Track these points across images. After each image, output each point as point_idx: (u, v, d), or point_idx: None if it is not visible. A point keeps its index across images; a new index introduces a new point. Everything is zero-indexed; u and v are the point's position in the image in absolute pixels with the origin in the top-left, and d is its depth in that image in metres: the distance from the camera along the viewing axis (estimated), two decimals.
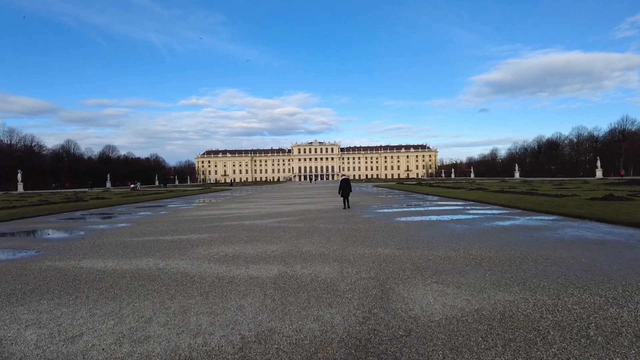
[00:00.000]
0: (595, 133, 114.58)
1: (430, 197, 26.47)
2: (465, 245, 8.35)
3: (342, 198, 19.18)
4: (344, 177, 19.73)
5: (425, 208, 18.14)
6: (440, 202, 21.47)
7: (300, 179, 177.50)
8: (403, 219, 13.89)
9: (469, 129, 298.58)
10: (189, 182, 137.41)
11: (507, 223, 12.15)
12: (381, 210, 17.34)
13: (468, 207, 17.95)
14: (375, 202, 23.34)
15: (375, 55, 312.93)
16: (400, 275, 5.93)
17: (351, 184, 20.35)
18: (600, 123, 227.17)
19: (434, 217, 14.07)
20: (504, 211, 15.84)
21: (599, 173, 75.86)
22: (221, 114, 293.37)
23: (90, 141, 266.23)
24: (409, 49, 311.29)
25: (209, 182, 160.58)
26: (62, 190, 63.39)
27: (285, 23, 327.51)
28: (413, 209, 18.03)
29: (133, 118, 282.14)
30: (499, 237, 9.38)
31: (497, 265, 6.51)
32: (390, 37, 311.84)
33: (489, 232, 10.25)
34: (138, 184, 76.23)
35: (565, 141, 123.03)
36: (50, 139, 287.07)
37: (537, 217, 13.42)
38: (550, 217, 13.31)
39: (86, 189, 64.19)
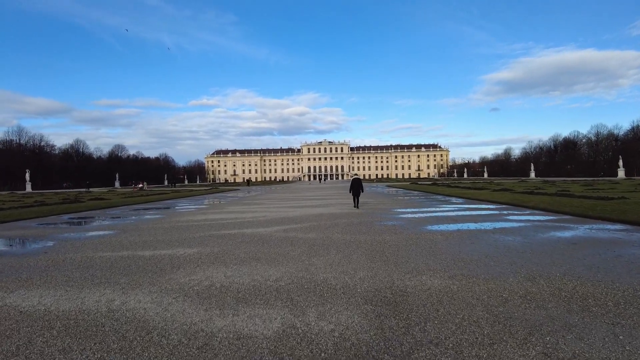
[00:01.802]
0: (616, 131, 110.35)
1: (454, 199, 24.05)
2: (539, 271, 6.06)
3: (353, 197, 19.55)
4: (355, 176, 20.02)
5: (456, 213, 15.79)
6: (468, 206, 19.08)
7: (309, 179, 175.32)
8: (435, 227, 11.59)
9: (480, 128, 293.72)
10: (198, 182, 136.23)
11: (567, 234, 9.79)
12: (405, 216, 15.05)
13: (504, 212, 15.57)
14: (394, 204, 21.03)
15: (385, 54, 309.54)
16: (478, 338, 3.67)
17: (363, 184, 20.22)
18: (614, 122, 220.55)
19: (472, 225, 11.75)
20: (551, 217, 13.44)
21: (621, 173, 72.40)
22: (231, 114, 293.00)
23: (102, 141, 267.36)
24: (419, 48, 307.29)
25: (218, 182, 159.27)
26: (67, 190, 62.10)
27: (296, 22, 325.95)
28: (441, 213, 15.69)
29: (144, 118, 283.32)
30: (574, 257, 7.06)
31: (617, 312, 4.23)
32: (400, 36, 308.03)
33: (555, 248, 7.92)
34: (145, 183, 74.74)
35: (583, 140, 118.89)
36: (64, 139, 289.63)
37: (600, 226, 11.02)
38: (618, 227, 10.89)
39: (83, 189, 62.34)
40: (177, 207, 22.66)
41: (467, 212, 15.86)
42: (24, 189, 66.74)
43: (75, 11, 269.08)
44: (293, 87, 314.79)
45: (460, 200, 23.44)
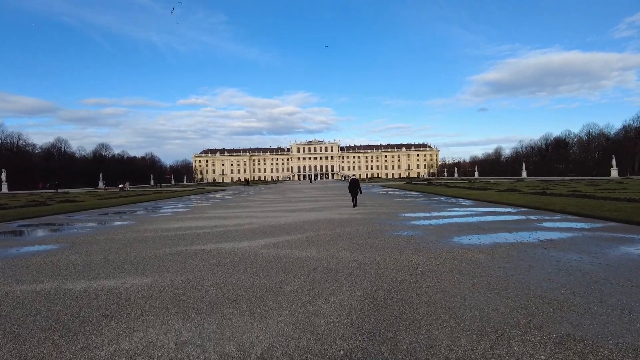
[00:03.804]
0: (607, 131, 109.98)
1: (461, 201, 21.80)
2: None
3: (351, 197, 19.89)
4: (353, 177, 20.77)
5: (476, 218, 13.45)
6: (483, 209, 16.80)
7: (299, 179, 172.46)
8: (465, 239, 9.21)
9: (468, 128, 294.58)
10: (185, 182, 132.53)
11: None
12: (418, 222, 12.66)
13: (532, 217, 13.31)
14: (398, 207, 18.66)
15: (375, 55, 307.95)
16: None
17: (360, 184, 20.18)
18: (601, 122, 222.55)
19: (509, 237, 9.39)
20: (596, 225, 11.20)
21: (614, 172, 71.39)
22: (220, 113, 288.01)
23: (89, 140, 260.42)
24: (409, 48, 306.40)
25: (206, 182, 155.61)
26: (42, 191, 58.47)
27: (286, 22, 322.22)
28: (458, 219, 13.34)
29: (132, 117, 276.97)
30: None
31: None
32: (390, 36, 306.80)
33: None
34: (127, 183, 71.30)
35: (574, 139, 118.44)
36: (50, 139, 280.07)
37: None
38: None
39: (52, 190, 58.32)
40: (152, 211, 19.97)
41: (489, 218, 13.56)
42: (0, 189, 62.95)
43: (63, 10, 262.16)
44: (283, 87, 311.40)
45: (468, 202, 21.20)
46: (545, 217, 13.21)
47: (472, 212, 15.52)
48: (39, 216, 18.11)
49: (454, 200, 22.89)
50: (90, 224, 14.61)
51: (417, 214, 15.25)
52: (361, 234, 10.39)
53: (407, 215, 15.08)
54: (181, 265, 7.12)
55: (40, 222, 15.86)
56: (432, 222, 12.72)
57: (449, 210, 16.49)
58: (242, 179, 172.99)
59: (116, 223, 14.75)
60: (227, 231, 11.55)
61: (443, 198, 24.86)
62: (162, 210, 20.38)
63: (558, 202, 17.55)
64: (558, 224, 11.55)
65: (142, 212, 19.44)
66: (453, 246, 8.36)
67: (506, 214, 14.76)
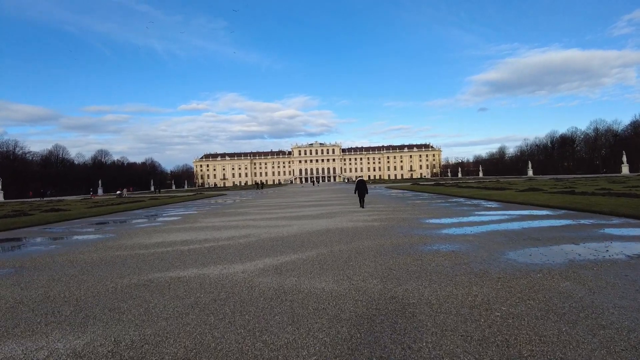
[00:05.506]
0: (615, 127, 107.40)
1: (484, 203, 19.60)
2: None
3: (358, 199, 20.10)
4: (359, 178, 20.77)
5: (518, 224, 11.20)
6: (517, 212, 14.57)
7: (301, 182, 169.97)
8: (524, 255, 6.98)
9: (469, 128, 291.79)
10: (186, 187, 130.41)
11: None
12: (450, 231, 10.45)
13: (583, 222, 11.12)
14: (417, 212, 16.45)
15: (375, 57, 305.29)
16: None
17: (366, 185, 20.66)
18: (607, 118, 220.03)
19: (580, 250, 7.17)
20: None
21: (625, 169, 69.01)
22: (221, 118, 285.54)
23: (91, 147, 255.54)
24: (408, 50, 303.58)
25: (208, 186, 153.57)
26: (32, 200, 56.38)
27: (286, 27, 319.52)
28: (496, 226, 11.12)
29: (134, 124, 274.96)
30: None
31: None
32: (390, 39, 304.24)
33: None
34: (125, 190, 69.29)
35: (581, 136, 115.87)
36: (50, 147, 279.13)
37: None
38: None
39: (38, 199, 56.19)
40: (139, 221, 17.80)
41: (532, 223, 11.34)
42: None
43: (64, 18, 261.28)
44: (283, 91, 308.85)
45: (493, 204, 18.99)
46: (602, 222, 11.01)
47: (506, 217, 13.32)
48: (11, 229, 15.99)
49: (475, 202, 20.67)
50: (60, 239, 12.47)
51: (442, 220, 13.05)
52: (387, 249, 8.19)
53: (431, 221, 12.88)
54: (143, 306, 4.95)
55: (5, 236, 13.72)
56: (467, 230, 10.51)
57: (478, 215, 14.28)
58: (243, 183, 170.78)
59: (90, 237, 12.59)
60: (217, 247, 9.35)
61: (461, 200, 22.64)
62: (151, 219, 18.21)
63: (602, 202, 15.33)
64: (626, 231, 9.36)
65: (128, 222, 17.27)
66: (517, 268, 6.17)
67: (547, 217, 12.57)
